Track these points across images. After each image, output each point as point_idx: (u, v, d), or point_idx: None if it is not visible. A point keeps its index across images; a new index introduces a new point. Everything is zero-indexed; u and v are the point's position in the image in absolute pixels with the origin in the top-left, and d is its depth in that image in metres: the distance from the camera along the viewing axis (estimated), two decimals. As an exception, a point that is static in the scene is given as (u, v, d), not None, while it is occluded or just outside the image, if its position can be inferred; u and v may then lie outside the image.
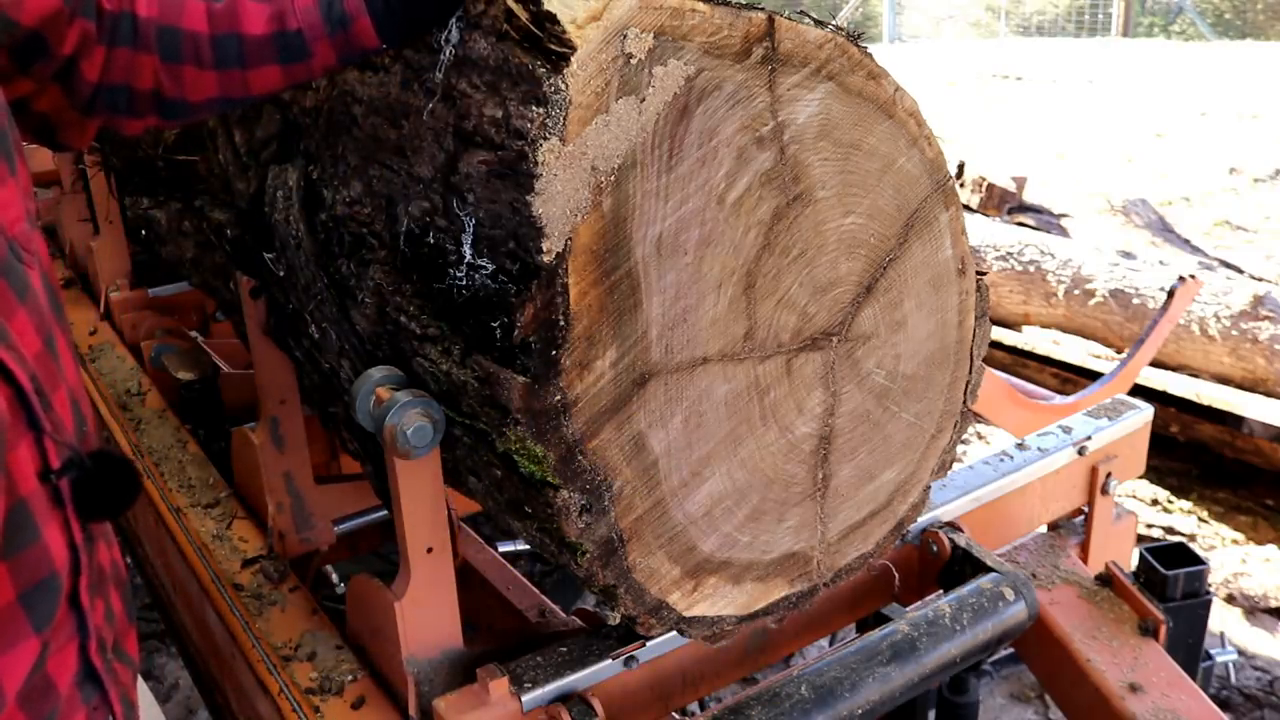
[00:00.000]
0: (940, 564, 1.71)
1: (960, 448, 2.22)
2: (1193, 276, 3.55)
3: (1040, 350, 4.61)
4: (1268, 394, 4.10)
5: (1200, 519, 3.99)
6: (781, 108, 1.17)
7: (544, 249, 1.04)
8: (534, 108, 1.03)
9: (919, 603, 1.66)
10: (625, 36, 1.04)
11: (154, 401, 2.44)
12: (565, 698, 1.34)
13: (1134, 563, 1.98)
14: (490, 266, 1.09)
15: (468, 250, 1.11)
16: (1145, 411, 2.09)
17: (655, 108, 1.07)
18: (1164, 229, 6.73)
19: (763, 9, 1.13)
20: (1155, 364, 4.09)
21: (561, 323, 1.08)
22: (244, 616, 1.67)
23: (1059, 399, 3.26)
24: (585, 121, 1.04)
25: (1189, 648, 1.92)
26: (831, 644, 2.24)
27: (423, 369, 1.25)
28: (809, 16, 1.20)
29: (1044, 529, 2.03)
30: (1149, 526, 3.91)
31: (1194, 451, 4.22)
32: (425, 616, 1.40)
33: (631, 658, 1.40)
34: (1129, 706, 1.66)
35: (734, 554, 1.34)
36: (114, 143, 2.31)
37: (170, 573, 2.05)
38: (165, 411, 2.39)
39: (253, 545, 1.85)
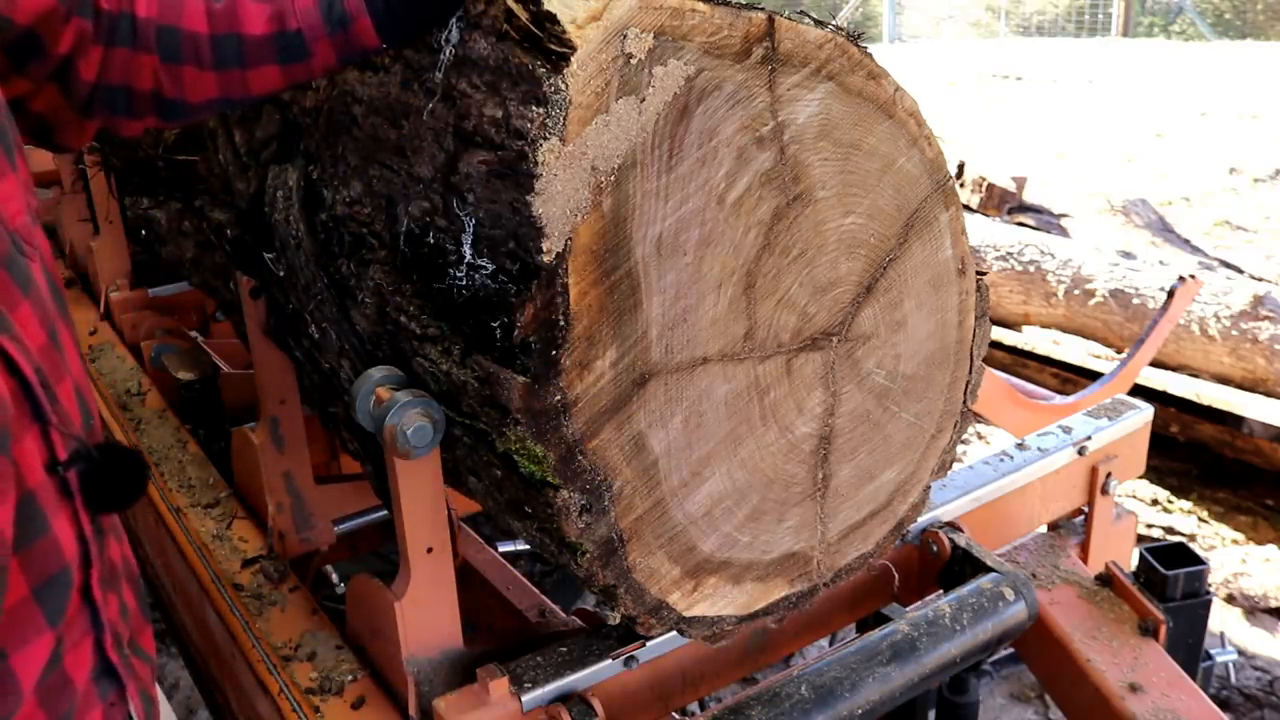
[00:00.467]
0: (940, 564, 1.71)
1: (960, 448, 2.22)
2: (1193, 276, 3.55)
3: (1040, 350, 4.61)
4: (1268, 394, 4.10)
5: (1200, 519, 3.99)
6: (781, 108, 1.17)
7: (544, 249, 1.04)
8: (534, 108, 1.03)
9: (919, 603, 1.66)
10: (625, 36, 1.04)
11: (154, 401, 2.44)
12: (565, 698, 1.34)
13: (1134, 563, 1.98)
14: (490, 266, 1.09)
15: (468, 250, 1.11)
16: (1145, 411, 2.09)
17: (655, 108, 1.07)
18: (1164, 229, 6.73)
19: (763, 9, 1.13)
20: (1155, 364, 4.09)
21: (561, 323, 1.08)
22: (244, 616, 1.67)
23: (1059, 399, 3.25)
24: (585, 121, 1.04)
25: (1189, 648, 1.92)
26: (831, 644, 2.24)
27: (423, 369, 1.25)
28: (809, 16, 1.20)
29: (1044, 529, 2.03)
30: (1149, 526, 3.91)
31: (1194, 451, 4.22)
32: (425, 616, 1.40)
33: (631, 658, 1.40)
34: (1129, 706, 1.66)
35: (734, 554, 1.34)
36: (114, 143, 2.31)
37: (170, 573, 2.05)
38: (165, 411, 2.39)
39: (253, 545, 1.85)
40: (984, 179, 6.48)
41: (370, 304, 1.31)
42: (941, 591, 1.67)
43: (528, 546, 1.41)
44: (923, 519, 1.73)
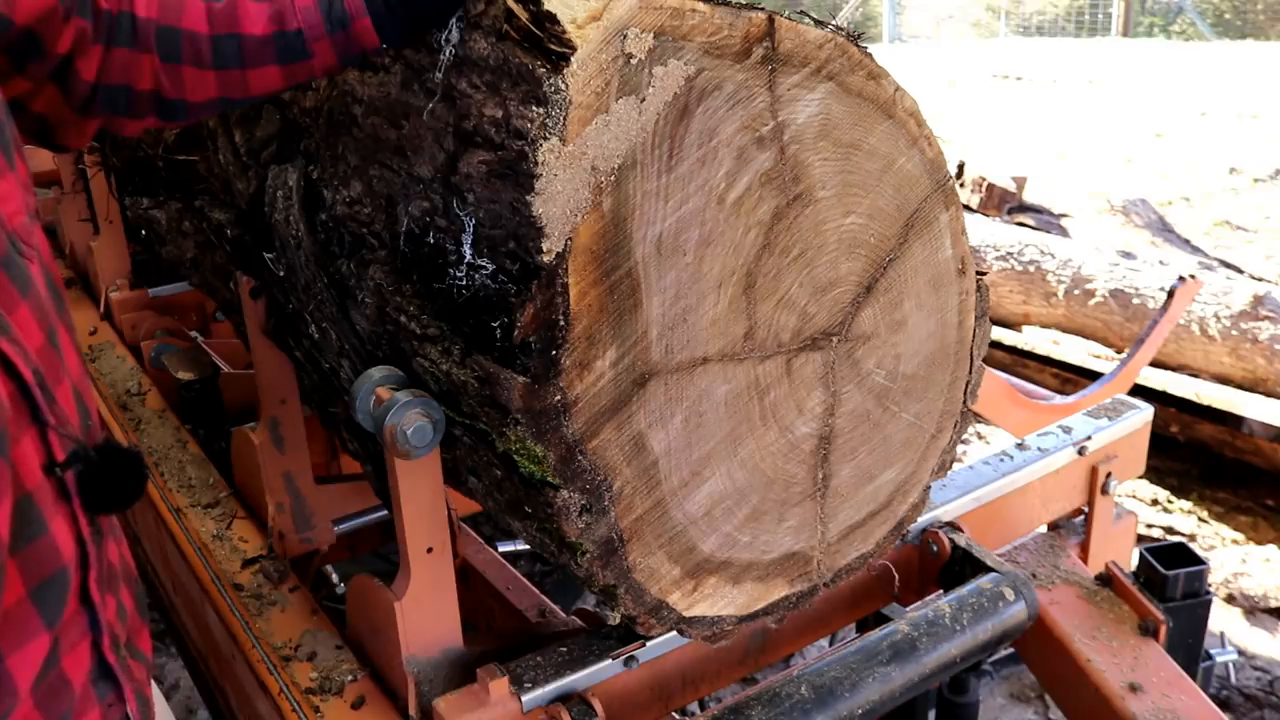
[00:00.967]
0: (940, 564, 1.71)
1: (960, 448, 2.22)
2: (1193, 276, 3.55)
3: (1040, 350, 4.60)
4: (1268, 394, 4.10)
5: (1200, 519, 3.99)
6: (781, 108, 1.17)
7: (544, 249, 1.04)
8: (534, 108, 1.03)
9: (919, 603, 1.66)
10: (625, 36, 1.04)
11: (154, 401, 2.44)
12: (565, 698, 1.34)
13: (1134, 563, 1.98)
14: (490, 266, 1.09)
15: (468, 250, 1.11)
16: (1145, 411, 2.09)
17: (655, 108, 1.07)
18: (1164, 229, 6.73)
19: (763, 9, 1.13)
20: (1155, 364, 4.09)
21: (561, 323, 1.08)
22: (244, 616, 1.67)
23: (1059, 399, 3.25)
24: (585, 121, 1.04)
25: (1189, 648, 1.92)
26: (831, 644, 2.24)
27: (423, 369, 1.25)
28: (809, 16, 1.21)
29: (1044, 529, 2.03)
30: (1149, 526, 3.91)
31: (1194, 451, 4.22)
32: (425, 616, 1.40)
33: (631, 658, 1.40)
34: (1129, 706, 1.66)
35: (734, 554, 1.34)
36: (114, 143, 2.31)
37: (170, 573, 2.05)
38: (165, 411, 2.39)
39: (253, 545, 1.85)
40: (984, 179, 6.48)
41: (370, 304, 1.31)
42: (941, 591, 1.67)
43: (528, 546, 1.41)
44: (923, 519, 1.73)
